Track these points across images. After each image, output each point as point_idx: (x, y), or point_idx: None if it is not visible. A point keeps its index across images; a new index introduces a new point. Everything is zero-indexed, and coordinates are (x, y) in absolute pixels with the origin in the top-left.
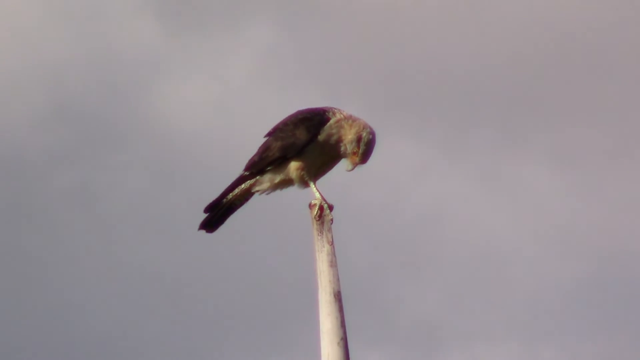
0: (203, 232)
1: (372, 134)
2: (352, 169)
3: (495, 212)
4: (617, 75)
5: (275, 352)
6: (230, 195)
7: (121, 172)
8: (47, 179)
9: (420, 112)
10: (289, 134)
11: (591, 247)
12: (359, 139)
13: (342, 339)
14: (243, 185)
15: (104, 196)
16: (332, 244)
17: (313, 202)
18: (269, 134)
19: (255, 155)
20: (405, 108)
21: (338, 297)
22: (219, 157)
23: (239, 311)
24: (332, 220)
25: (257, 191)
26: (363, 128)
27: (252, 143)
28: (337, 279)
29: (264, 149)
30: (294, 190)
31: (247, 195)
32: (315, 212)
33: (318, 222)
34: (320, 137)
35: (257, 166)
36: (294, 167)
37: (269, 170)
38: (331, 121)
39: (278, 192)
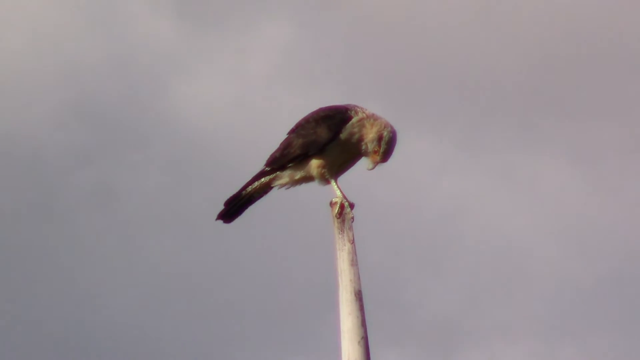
0: (220, 222)
1: (393, 132)
2: (373, 168)
3: (515, 210)
4: (637, 71)
5: (295, 350)
6: (249, 188)
7: (141, 170)
8: (67, 177)
9: (439, 109)
10: (311, 132)
11: (611, 245)
12: (380, 138)
13: (362, 338)
14: (263, 179)
15: (125, 195)
16: (353, 242)
17: (334, 200)
18: (292, 131)
19: (276, 151)
20: (425, 105)
21: (359, 296)
22: (239, 155)
23: (260, 310)
24: (353, 218)
25: (277, 185)
26: (384, 127)
27: (271, 141)
28: (357, 278)
29: (286, 145)
30: (314, 188)
31: (266, 188)
32: (336, 211)
33: (339, 220)
34: (342, 136)
35: (278, 162)
36: (315, 164)
37: (289, 166)
38: (353, 120)
39: (298, 187)
